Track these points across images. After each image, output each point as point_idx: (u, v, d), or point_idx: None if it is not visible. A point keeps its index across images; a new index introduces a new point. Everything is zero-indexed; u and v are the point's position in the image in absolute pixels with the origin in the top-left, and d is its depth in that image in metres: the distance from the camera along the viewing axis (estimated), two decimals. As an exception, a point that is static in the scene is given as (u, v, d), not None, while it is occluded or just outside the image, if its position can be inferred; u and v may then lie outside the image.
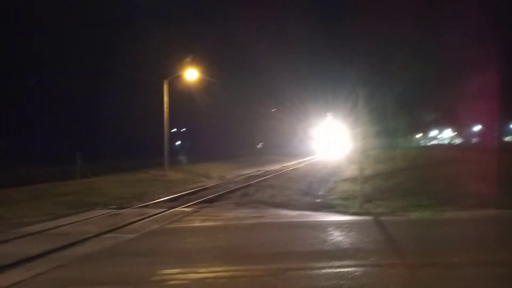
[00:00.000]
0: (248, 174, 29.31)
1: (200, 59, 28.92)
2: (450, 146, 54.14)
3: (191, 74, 26.61)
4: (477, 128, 73.93)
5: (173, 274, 5.89)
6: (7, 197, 15.50)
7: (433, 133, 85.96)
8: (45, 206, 14.14)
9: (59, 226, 10.27)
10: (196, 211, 12.08)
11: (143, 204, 14.33)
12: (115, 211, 12.75)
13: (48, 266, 6.56)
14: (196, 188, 20.13)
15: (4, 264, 6.63)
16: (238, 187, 19.32)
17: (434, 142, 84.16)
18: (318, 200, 13.44)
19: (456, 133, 79.48)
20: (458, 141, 73.16)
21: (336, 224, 8.98)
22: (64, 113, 38.63)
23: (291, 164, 39.59)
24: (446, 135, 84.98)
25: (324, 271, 5.70)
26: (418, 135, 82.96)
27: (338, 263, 6.00)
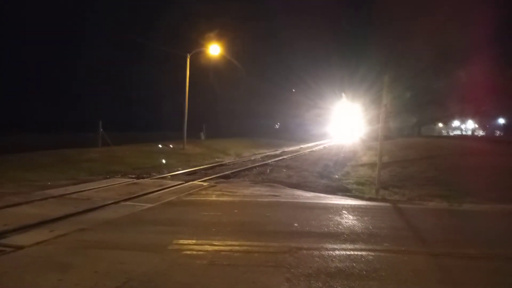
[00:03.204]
0: (265, 153, 29.43)
1: (222, 35, 28.79)
2: (474, 138, 53.14)
3: (214, 49, 26.59)
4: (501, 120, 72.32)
5: (189, 244, 6.05)
6: (32, 161, 16.00)
7: (456, 123, 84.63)
8: (67, 171, 14.57)
9: (81, 191, 10.60)
10: (213, 186, 12.27)
11: (161, 176, 14.62)
12: (134, 180, 13.05)
13: (69, 228, 6.79)
14: (213, 163, 20.38)
15: (28, 224, 6.90)
16: (255, 165, 19.46)
17: (457, 132, 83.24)
18: (334, 183, 13.47)
19: (476, 125, 78.42)
20: (481, 132, 72.45)
21: (351, 208, 9.00)
22: (88, 83, 39.36)
23: (307, 146, 39.52)
24: (469, 126, 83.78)
25: (337, 252, 5.77)
26: (440, 124, 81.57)
27: (351, 246, 6.06)
